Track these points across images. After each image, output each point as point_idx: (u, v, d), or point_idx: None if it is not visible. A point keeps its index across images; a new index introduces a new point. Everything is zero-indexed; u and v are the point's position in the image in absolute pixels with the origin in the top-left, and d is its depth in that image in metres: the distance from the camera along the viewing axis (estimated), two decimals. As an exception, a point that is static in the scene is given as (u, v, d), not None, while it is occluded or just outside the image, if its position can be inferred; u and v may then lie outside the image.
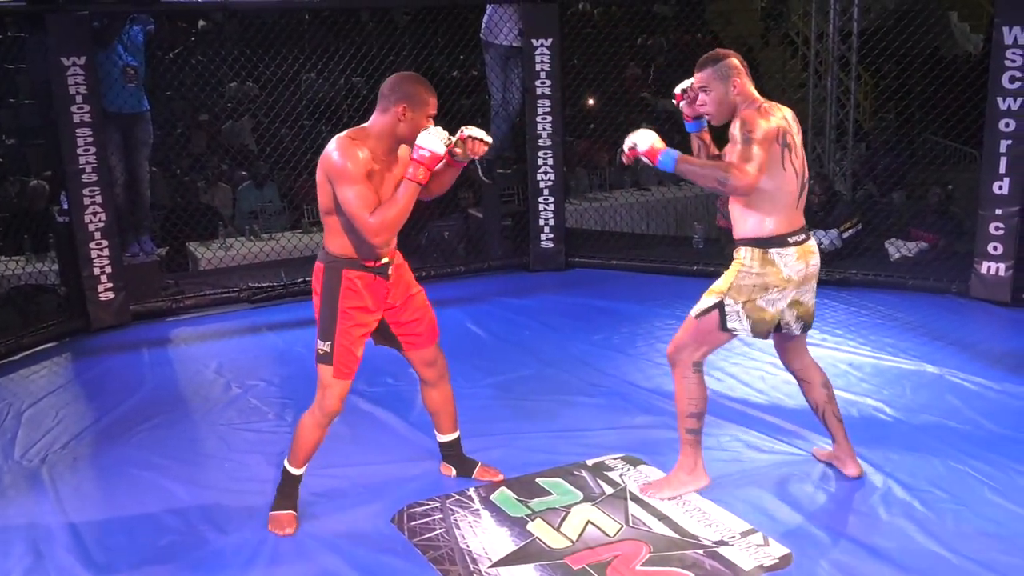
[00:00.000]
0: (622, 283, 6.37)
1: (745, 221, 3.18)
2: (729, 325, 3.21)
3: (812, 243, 3.24)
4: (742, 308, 3.18)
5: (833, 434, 3.51)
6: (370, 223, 2.96)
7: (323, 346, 3.19)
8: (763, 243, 3.15)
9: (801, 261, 3.17)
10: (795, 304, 3.24)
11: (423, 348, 3.46)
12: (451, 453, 3.65)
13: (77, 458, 3.93)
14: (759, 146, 3.01)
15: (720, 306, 3.20)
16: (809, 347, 4.78)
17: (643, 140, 3.09)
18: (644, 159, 3.09)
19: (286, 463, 3.30)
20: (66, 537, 3.29)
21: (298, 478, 3.31)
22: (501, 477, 3.58)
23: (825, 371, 3.50)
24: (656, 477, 3.55)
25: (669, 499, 3.36)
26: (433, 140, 2.97)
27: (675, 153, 3.06)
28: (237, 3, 6.04)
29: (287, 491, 3.31)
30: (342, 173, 2.95)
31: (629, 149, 3.12)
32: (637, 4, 8.29)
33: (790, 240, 3.16)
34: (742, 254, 3.19)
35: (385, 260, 3.19)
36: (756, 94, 3.16)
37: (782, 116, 3.13)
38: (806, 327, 3.34)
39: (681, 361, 3.30)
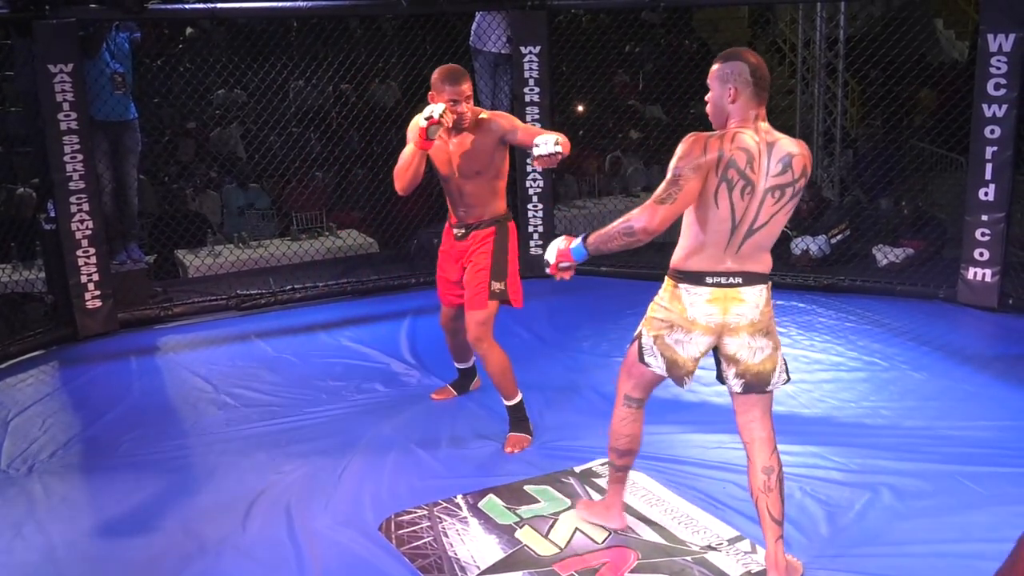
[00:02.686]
0: (611, 290, 6.38)
1: (676, 247, 2.86)
2: (645, 359, 2.91)
3: (746, 293, 2.77)
4: (654, 342, 2.88)
5: (763, 533, 2.90)
6: None
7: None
8: (677, 276, 2.82)
9: (715, 306, 2.77)
10: (730, 360, 2.82)
11: (466, 310, 3.97)
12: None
13: (64, 467, 3.91)
14: (683, 179, 2.68)
15: (640, 337, 2.93)
16: (798, 352, 4.81)
17: (550, 253, 2.92)
18: (565, 264, 2.91)
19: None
20: (53, 547, 3.26)
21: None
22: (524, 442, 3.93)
23: (777, 461, 2.91)
24: (643, 483, 3.56)
25: (585, 521, 3.29)
26: (423, 113, 3.58)
27: (579, 239, 2.86)
28: (225, 10, 6.02)
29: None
30: None
31: (549, 269, 2.95)
32: (625, 11, 8.31)
33: (708, 280, 2.77)
34: (664, 284, 2.89)
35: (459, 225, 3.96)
36: (752, 112, 2.74)
37: (743, 148, 2.69)
38: (749, 388, 2.84)
39: (617, 390, 3.08)
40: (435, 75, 3.71)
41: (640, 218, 2.72)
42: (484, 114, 3.79)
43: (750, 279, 2.78)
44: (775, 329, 2.86)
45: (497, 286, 3.86)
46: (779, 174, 2.71)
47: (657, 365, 2.89)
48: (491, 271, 3.87)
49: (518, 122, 3.85)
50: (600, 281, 6.63)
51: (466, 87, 3.68)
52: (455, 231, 3.98)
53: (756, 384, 2.83)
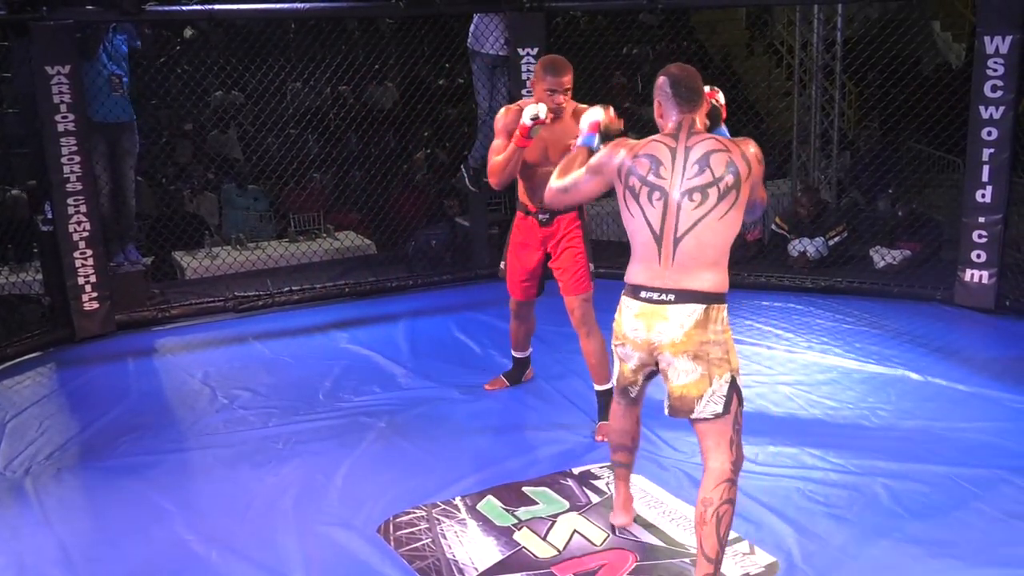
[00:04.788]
0: (608, 292, 6.34)
1: None
2: (613, 366, 2.99)
3: (672, 311, 2.70)
4: (614, 350, 2.93)
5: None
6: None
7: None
8: (625, 288, 2.84)
9: (640, 321, 2.75)
10: (664, 378, 2.79)
11: (564, 296, 4.05)
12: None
13: (61, 469, 3.90)
14: (587, 171, 2.91)
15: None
16: (796, 354, 4.82)
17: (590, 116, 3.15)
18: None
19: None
20: (51, 550, 3.26)
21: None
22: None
23: (722, 497, 2.73)
24: (642, 485, 3.56)
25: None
26: (527, 112, 3.68)
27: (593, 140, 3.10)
28: (223, 12, 6.02)
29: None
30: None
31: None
32: (623, 13, 8.32)
33: (642, 294, 2.75)
34: None
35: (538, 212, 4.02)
36: (677, 120, 2.77)
37: (648, 155, 2.74)
38: (673, 411, 2.77)
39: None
40: (539, 63, 3.86)
41: (548, 190, 3.05)
42: (582, 106, 3.84)
43: (684, 297, 2.70)
44: (715, 356, 2.72)
45: (593, 268, 4.03)
46: (696, 175, 2.69)
47: (616, 372, 2.97)
48: (586, 254, 4.00)
49: None
50: (600, 283, 6.61)
51: (567, 79, 3.79)
52: (539, 217, 4.04)
53: (679, 408, 2.75)
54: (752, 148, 2.77)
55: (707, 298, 2.70)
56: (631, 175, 2.76)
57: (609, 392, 3.91)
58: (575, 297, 3.99)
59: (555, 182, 3.03)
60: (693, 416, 2.75)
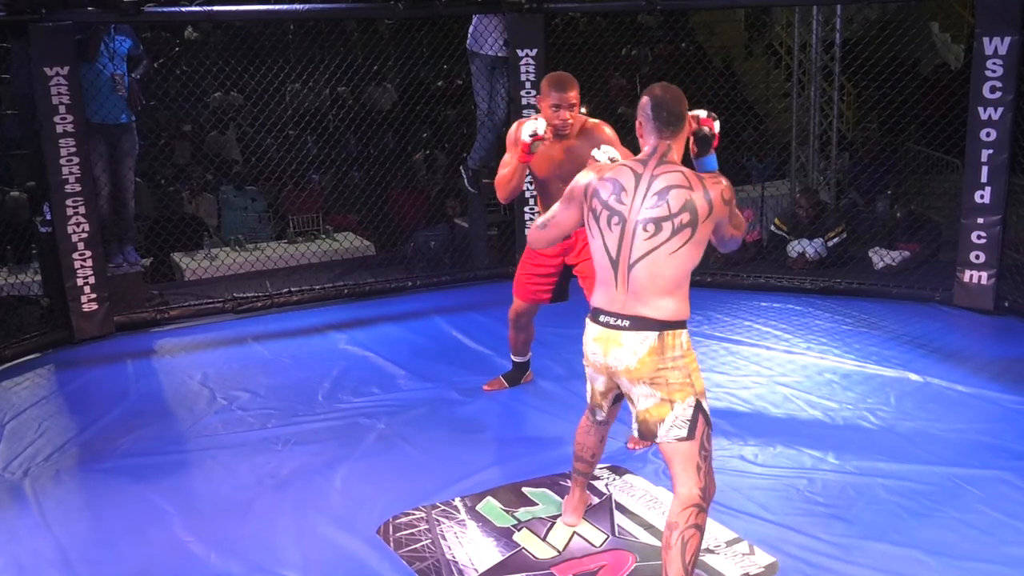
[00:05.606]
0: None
1: None
2: (586, 385, 3.02)
3: (626, 338, 2.71)
4: (585, 370, 2.97)
5: None
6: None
7: None
8: (590, 311, 2.87)
9: (599, 345, 2.78)
10: (630, 399, 2.80)
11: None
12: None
13: (60, 471, 3.90)
14: (561, 203, 2.93)
15: None
16: (795, 355, 4.83)
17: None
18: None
19: None
20: (49, 551, 3.26)
21: None
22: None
23: (688, 522, 2.65)
24: (641, 486, 3.56)
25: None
26: (525, 129, 3.67)
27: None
28: (221, 13, 6.02)
29: None
30: None
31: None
32: (622, 14, 8.32)
33: (601, 318, 2.77)
34: None
35: None
36: (654, 144, 2.77)
37: (613, 179, 2.75)
38: (641, 434, 2.77)
39: None
40: (544, 80, 3.85)
41: (529, 234, 3.05)
42: (592, 121, 3.88)
43: (638, 324, 2.70)
44: (674, 381, 2.70)
45: None
46: (653, 207, 2.68)
47: (588, 392, 2.99)
48: None
49: (616, 140, 3.85)
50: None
51: (572, 94, 3.77)
52: None
53: (644, 432, 2.75)
54: (717, 189, 2.71)
55: (661, 325, 2.70)
56: (595, 197, 2.78)
57: None
58: None
59: (537, 221, 3.04)
60: (657, 440, 2.74)
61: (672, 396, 2.70)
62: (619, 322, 2.73)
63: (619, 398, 2.95)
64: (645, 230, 2.69)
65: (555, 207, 2.97)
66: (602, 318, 2.77)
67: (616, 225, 2.73)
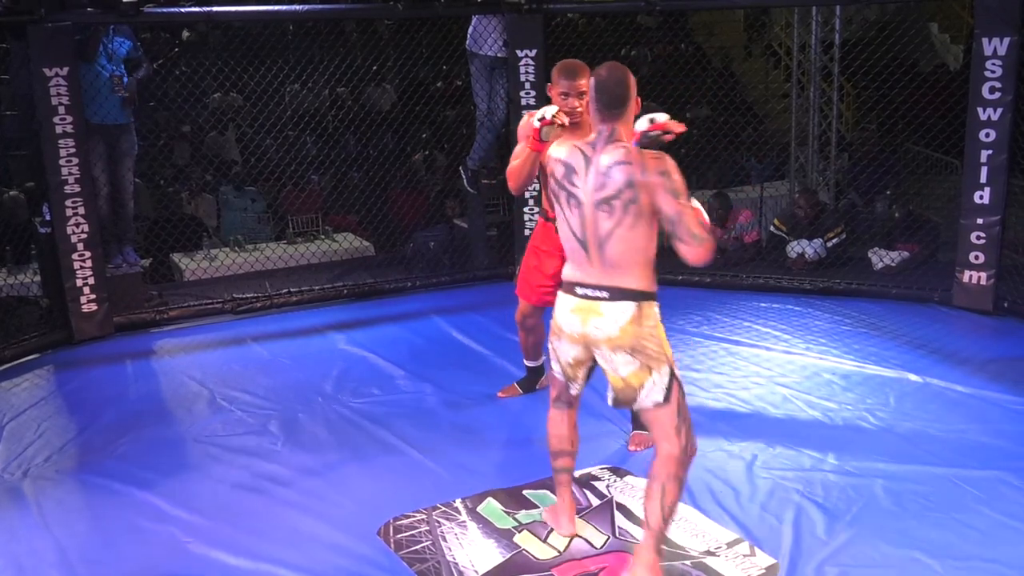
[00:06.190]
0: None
1: None
2: (549, 365, 3.08)
3: (607, 308, 2.80)
4: (551, 346, 3.03)
5: None
6: None
7: None
8: (561, 284, 2.96)
9: (576, 316, 2.86)
10: (608, 369, 2.88)
11: None
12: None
13: (59, 472, 3.90)
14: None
15: None
16: (794, 356, 4.83)
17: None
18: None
19: None
20: (48, 552, 3.26)
21: None
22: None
23: (666, 474, 2.84)
24: (642, 487, 3.54)
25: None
26: (536, 116, 3.56)
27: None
28: (221, 14, 6.01)
29: None
30: None
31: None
32: (621, 15, 8.32)
33: (577, 291, 2.86)
34: None
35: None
36: (600, 126, 2.86)
37: (563, 160, 2.88)
38: (617, 402, 2.89)
39: None
40: (555, 67, 3.78)
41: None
42: None
43: (616, 294, 2.80)
44: (651, 349, 2.79)
45: None
46: (600, 188, 2.79)
47: (556, 368, 3.03)
48: None
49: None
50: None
51: (582, 82, 3.68)
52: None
53: (622, 399, 2.86)
54: (654, 163, 2.73)
55: (638, 296, 2.80)
56: (552, 177, 2.92)
57: None
58: None
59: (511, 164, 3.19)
60: (636, 406, 2.86)
61: (650, 363, 2.81)
62: (598, 293, 2.83)
63: (590, 372, 3.02)
64: (602, 211, 2.80)
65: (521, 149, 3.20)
66: (579, 290, 2.86)
67: (575, 207, 2.85)
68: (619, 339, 2.79)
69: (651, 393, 2.82)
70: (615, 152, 2.79)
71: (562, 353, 2.97)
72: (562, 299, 2.92)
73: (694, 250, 2.72)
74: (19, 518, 3.50)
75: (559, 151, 2.91)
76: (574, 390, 3.07)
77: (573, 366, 2.98)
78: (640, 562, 2.89)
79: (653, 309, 2.83)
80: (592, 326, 2.82)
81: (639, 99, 2.92)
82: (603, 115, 2.84)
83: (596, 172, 2.80)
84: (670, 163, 2.76)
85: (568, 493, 3.27)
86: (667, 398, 2.82)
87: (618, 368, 2.83)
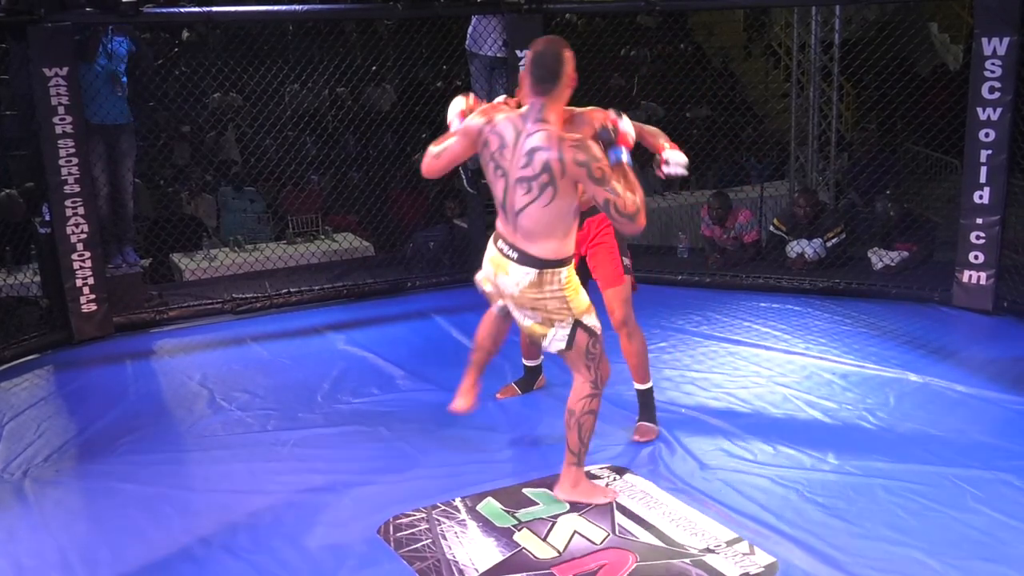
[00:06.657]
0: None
1: None
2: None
3: (512, 268, 3.12)
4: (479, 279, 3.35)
5: None
6: None
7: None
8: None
9: (491, 266, 3.21)
10: (516, 316, 3.25)
11: (603, 291, 3.96)
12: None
13: (60, 471, 3.90)
14: (458, 135, 3.18)
15: None
16: (794, 355, 4.84)
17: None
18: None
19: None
20: (49, 552, 3.26)
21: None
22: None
23: (580, 408, 3.29)
24: (641, 486, 3.56)
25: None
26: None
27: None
28: (220, 14, 6.02)
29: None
30: None
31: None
32: (621, 15, 8.33)
33: (499, 244, 3.17)
34: None
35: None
36: (532, 100, 3.03)
37: (499, 132, 3.05)
38: (532, 342, 3.42)
39: None
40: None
41: (424, 159, 3.24)
42: (579, 110, 3.73)
43: (523, 259, 3.10)
44: (552, 308, 3.13)
45: (626, 261, 3.93)
46: (523, 166, 3.01)
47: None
48: (619, 248, 3.93)
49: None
50: (594, 284, 6.59)
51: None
52: None
53: (532, 341, 3.35)
54: (571, 152, 2.92)
55: (542, 263, 3.08)
56: (485, 147, 3.09)
57: (649, 391, 4.00)
58: (615, 291, 3.89)
59: (431, 150, 3.24)
60: (544, 349, 3.27)
61: (551, 318, 3.15)
62: (510, 252, 3.12)
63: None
64: (521, 186, 3.02)
65: (452, 139, 3.21)
66: (499, 243, 3.16)
67: (501, 177, 3.08)
68: (519, 298, 3.14)
69: (553, 342, 3.19)
70: (538, 135, 2.97)
71: (486, 283, 3.26)
72: (489, 246, 3.21)
73: (625, 227, 3.01)
74: (19, 518, 3.50)
75: (498, 123, 3.06)
76: (504, 313, 3.35)
77: (491, 296, 3.30)
78: (566, 478, 3.37)
79: (558, 275, 3.10)
80: (500, 280, 3.16)
81: (575, 76, 3.05)
82: (535, 88, 2.98)
83: (521, 151, 3.00)
84: (590, 149, 2.92)
85: (475, 373, 3.56)
86: (569, 346, 3.18)
87: (524, 318, 3.20)
